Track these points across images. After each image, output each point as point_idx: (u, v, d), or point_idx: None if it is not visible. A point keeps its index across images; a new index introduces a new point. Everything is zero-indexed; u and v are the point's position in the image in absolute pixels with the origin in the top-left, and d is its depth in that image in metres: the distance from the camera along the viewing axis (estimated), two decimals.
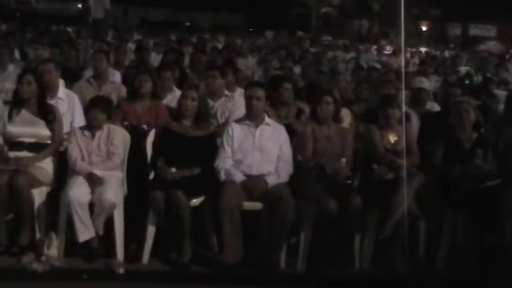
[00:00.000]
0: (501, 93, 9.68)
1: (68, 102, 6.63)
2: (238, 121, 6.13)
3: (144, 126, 6.37)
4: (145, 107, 6.57)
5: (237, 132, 5.99)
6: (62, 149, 6.06)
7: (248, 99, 6.03)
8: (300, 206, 5.67)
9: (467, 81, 10.62)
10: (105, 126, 5.98)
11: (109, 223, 5.64)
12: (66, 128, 6.22)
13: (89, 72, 8.40)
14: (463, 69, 13.12)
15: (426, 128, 6.95)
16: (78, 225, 5.49)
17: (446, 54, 21.48)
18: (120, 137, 6.00)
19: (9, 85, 7.60)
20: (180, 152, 5.85)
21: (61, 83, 6.79)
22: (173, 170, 5.73)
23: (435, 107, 7.98)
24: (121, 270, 5.45)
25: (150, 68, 8.52)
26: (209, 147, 6.00)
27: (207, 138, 6.04)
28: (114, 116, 6.22)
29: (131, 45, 13.58)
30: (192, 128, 6.03)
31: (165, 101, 7.03)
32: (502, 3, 28.08)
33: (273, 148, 5.95)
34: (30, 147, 5.85)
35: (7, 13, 22.11)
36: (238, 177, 5.76)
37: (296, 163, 6.03)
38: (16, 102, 5.98)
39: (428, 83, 8.80)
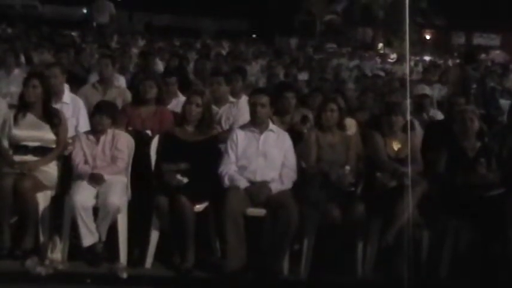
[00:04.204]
0: (505, 103, 9.71)
1: (73, 107, 6.65)
2: (242, 127, 6.14)
3: (148, 131, 6.39)
4: (150, 112, 6.59)
5: (241, 138, 6.00)
6: (66, 153, 6.08)
7: (252, 105, 6.04)
8: (303, 212, 5.68)
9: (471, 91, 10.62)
10: (110, 131, 6.00)
11: (113, 227, 5.66)
12: (71, 133, 6.26)
13: (94, 77, 8.43)
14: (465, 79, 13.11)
15: (430, 136, 6.94)
16: (82, 229, 5.50)
17: (450, 63, 21.45)
18: (124, 141, 6.02)
19: (15, 89, 7.66)
20: (183, 158, 5.85)
21: (66, 87, 6.81)
22: (178, 176, 5.74)
23: (439, 115, 7.98)
24: (124, 275, 5.46)
25: (155, 73, 8.54)
26: (212, 153, 6.01)
27: (209, 144, 6.05)
28: (119, 121, 6.24)
29: (135, 51, 13.60)
30: (195, 133, 6.04)
31: (169, 107, 7.05)
32: (506, 13, 28.07)
33: (277, 155, 5.96)
34: (35, 151, 5.87)
35: (12, 17, 22.14)
36: (242, 183, 5.77)
37: (300, 170, 6.05)
38: (21, 106, 6.00)
39: (431, 91, 8.82)
